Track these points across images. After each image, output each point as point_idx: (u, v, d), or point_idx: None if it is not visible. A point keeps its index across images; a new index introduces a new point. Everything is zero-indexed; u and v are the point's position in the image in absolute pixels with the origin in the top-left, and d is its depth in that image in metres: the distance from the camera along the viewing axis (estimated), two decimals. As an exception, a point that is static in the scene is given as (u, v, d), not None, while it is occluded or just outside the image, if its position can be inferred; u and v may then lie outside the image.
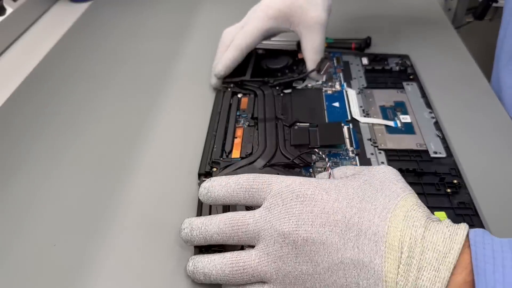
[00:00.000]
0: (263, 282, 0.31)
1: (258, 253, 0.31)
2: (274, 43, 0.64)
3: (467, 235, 0.27)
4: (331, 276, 0.28)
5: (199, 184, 0.42)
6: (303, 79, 0.55)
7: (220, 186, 0.34)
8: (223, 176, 0.35)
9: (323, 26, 0.54)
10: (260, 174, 0.34)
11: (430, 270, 0.26)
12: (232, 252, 0.32)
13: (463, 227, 0.28)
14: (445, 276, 0.26)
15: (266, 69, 0.57)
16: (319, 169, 0.43)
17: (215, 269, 0.32)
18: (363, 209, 0.29)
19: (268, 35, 0.56)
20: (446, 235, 0.27)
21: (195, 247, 0.36)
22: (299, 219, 0.29)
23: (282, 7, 0.53)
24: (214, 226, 0.33)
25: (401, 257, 0.27)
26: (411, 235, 0.27)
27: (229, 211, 0.36)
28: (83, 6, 0.77)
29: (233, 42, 0.53)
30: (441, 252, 0.26)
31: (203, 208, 0.39)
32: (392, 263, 0.27)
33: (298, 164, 0.42)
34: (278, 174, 0.40)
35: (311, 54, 0.54)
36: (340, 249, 0.28)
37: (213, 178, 0.35)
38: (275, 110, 0.49)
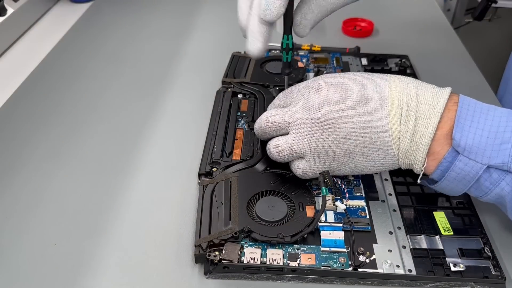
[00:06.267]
0: (301, 157, 0.39)
1: (292, 136, 0.38)
2: (275, 44, 0.65)
3: (456, 95, 0.35)
4: (350, 138, 0.36)
5: (199, 184, 0.42)
6: None
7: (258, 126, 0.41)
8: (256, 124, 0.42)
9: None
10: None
11: (423, 118, 0.34)
12: (273, 139, 0.40)
13: (447, 88, 0.35)
14: (435, 122, 0.34)
15: (266, 73, 0.57)
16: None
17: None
18: (365, 84, 0.37)
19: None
20: (434, 92, 0.35)
21: (196, 247, 0.36)
22: (319, 104, 0.37)
23: None
24: (257, 124, 0.41)
25: (401, 112, 0.34)
26: (407, 94, 0.35)
27: (230, 203, 0.39)
28: (84, 6, 0.77)
29: None
30: (431, 104, 0.34)
31: (203, 209, 0.39)
32: (395, 118, 0.35)
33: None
34: (278, 178, 0.42)
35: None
36: (354, 116, 0.36)
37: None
38: None
